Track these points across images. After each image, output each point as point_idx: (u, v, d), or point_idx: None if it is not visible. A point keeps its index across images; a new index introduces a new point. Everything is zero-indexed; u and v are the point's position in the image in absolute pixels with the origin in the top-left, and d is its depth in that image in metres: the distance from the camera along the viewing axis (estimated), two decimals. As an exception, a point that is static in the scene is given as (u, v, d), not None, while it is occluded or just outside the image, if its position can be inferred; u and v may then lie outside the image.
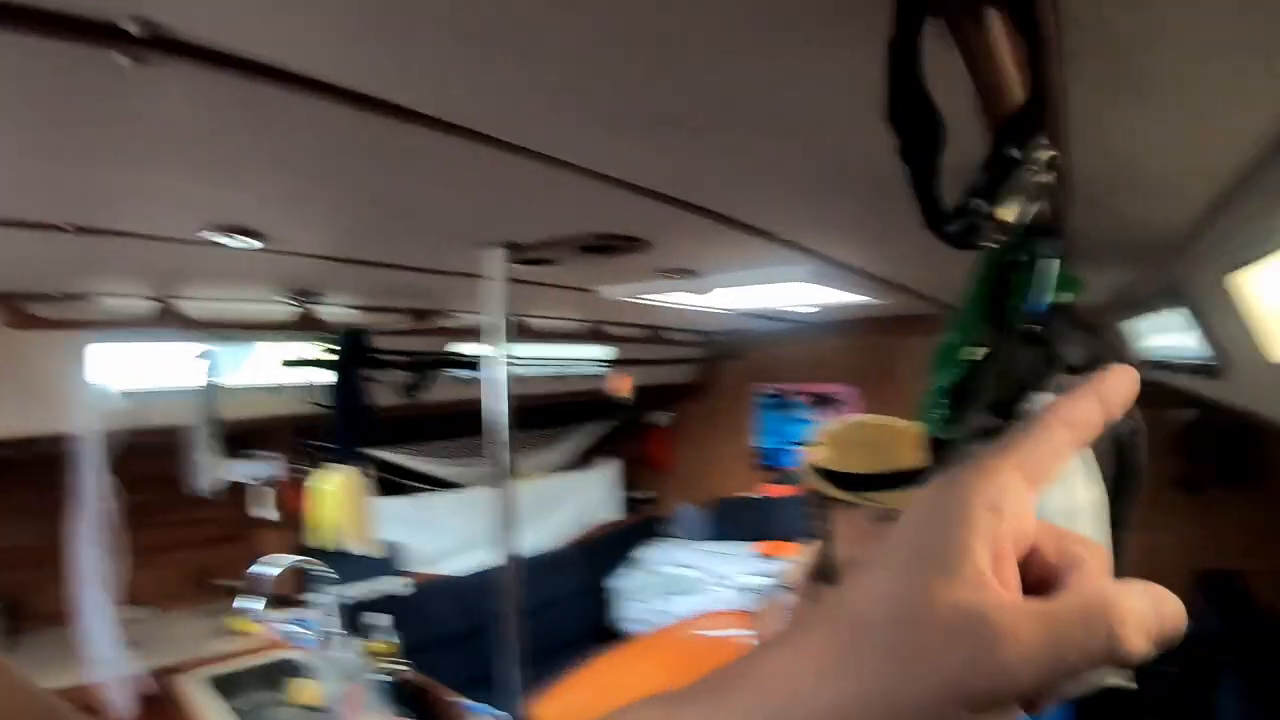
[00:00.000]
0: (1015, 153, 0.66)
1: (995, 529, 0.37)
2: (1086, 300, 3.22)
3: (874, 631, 0.36)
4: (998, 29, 0.64)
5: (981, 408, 1.35)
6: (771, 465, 5.81)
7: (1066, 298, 1.40)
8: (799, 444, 5.30)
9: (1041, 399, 1.27)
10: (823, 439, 2.05)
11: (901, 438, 1.97)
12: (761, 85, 0.94)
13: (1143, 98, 0.97)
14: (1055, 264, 1.33)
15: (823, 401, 5.61)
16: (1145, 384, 0.44)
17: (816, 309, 3.76)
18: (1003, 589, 0.36)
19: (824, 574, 2.03)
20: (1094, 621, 0.35)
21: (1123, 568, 0.45)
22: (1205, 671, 3.01)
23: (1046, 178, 0.69)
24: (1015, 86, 0.67)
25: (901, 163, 0.71)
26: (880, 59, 0.71)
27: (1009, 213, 0.73)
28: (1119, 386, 0.43)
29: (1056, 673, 0.34)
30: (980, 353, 1.37)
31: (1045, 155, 0.68)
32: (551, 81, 0.94)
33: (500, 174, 1.31)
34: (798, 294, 3.02)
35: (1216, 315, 2.00)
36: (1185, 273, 2.05)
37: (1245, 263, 1.55)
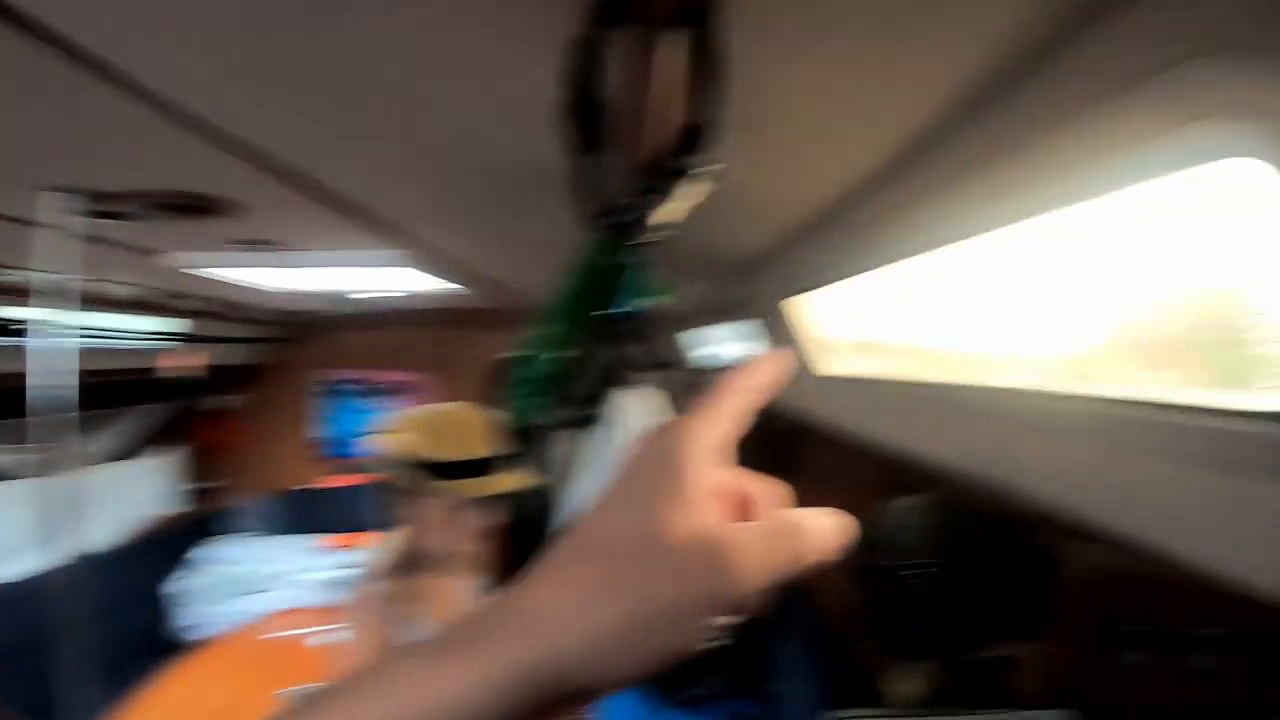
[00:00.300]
0: (682, 164, 0.71)
1: (706, 470, 0.46)
2: (669, 306, 3.45)
3: (627, 559, 0.43)
4: (677, 46, 0.69)
5: (570, 400, 1.43)
6: (342, 454, 5.53)
7: (656, 302, 1.52)
8: (374, 432, 5.14)
9: (629, 395, 1.38)
10: (404, 426, 2.03)
11: (481, 426, 2.01)
12: (400, 58, 0.91)
13: (746, 134, 1.08)
14: (651, 269, 1.44)
15: (398, 389, 5.50)
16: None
17: (400, 294, 3.69)
18: (721, 516, 0.45)
19: (409, 563, 2.02)
20: (789, 535, 0.45)
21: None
22: (760, 632, 3.50)
23: (704, 190, 0.75)
24: (685, 100, 0.72)
25: (569, 157, 0.75)
26: (540, 56, 0.76)
27: (668, 215, 0.77)
28: (773, 368, 0.52)
29: (769, 577, 0.44)
30: (572, 347, 1.45)
31: (709, 170, 0.73)
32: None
33: (80, 101, 1.08)
34: (387, 278, 2.95)
35: (772, 331, 2.28)
36: (756, 292, 2.30)
37: (803, 289, 1.79)
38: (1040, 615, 1.66)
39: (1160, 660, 1.66)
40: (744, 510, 0.49)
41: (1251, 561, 0.83)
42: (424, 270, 2.69)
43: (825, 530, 0.47)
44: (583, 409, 1.44)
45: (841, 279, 1.54)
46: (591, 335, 1.41)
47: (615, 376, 1.41)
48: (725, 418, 0.49)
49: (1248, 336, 0.81)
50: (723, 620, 0.43)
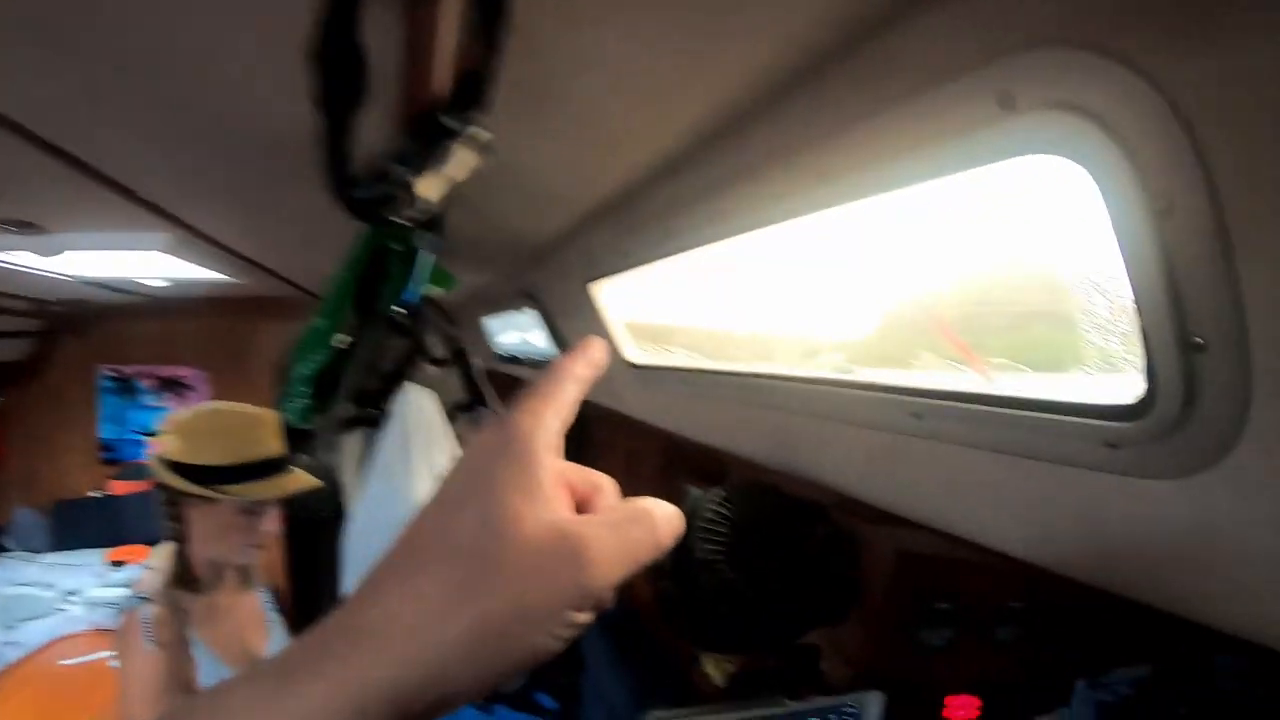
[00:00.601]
0: (453, 124, 0.59)
1: (552, 460, 0.44)
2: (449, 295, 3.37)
3: (481, 558, 0.40)
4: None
5: (347, 396, 1.32)
6: (118, 458, 5.06)
7: (438, 291, 1.43)
8: (149, 434, 4.81)
9: (415, 390, 1.29)
10: (172, 429, 1.87)
11: (259, 426, 1.87)
12: (164, 23, 0.77)
13: (546, 116, 1.01)
14: (432, 257, 1.34)
15: (173, 385, 5.08)
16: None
17: (169, 283, 3.39)
18: (571, 508, 0.44)
19: (182, 578, 1.84)
20: (643, 524, 0.44)
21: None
22: None
23: (477, 159, 0.64)
24: (456, 57, 0.61)
25: (317, 113, 0.63)
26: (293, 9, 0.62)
27: (430, 188, 0.64)
28: (598, 354, 0.50)
29: (630, 568, 0.42)
30: (347, 340, 1.33)
31: (482, 135, 0.62)
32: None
33: None
34: (153, 264, 2.68)
35: (572, 317, 2.21)
36: (545, 279, 2.22)
37: (605, 274, 1.72)
38: (845, 599, 1.67)
39: (965, 635, 1.71)
40: (582, 502, 0.46)
41: (1036, 539, 0.87)
42: (195, 260, 2.47)
43: (672, 518, 0.46)
44: (366, 405, 1.33)
45: (645, 263, 1.49)
46: (372, 327, 1.31)
47: (398, 372, 1.31)
48: (561, 406, 0.47)
49: (1068, 325, 0.78)
50: (584, 618, 0.41)
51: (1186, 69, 0.52)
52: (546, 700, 3.71)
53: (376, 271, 1.36)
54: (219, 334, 4.94)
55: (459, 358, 1.36)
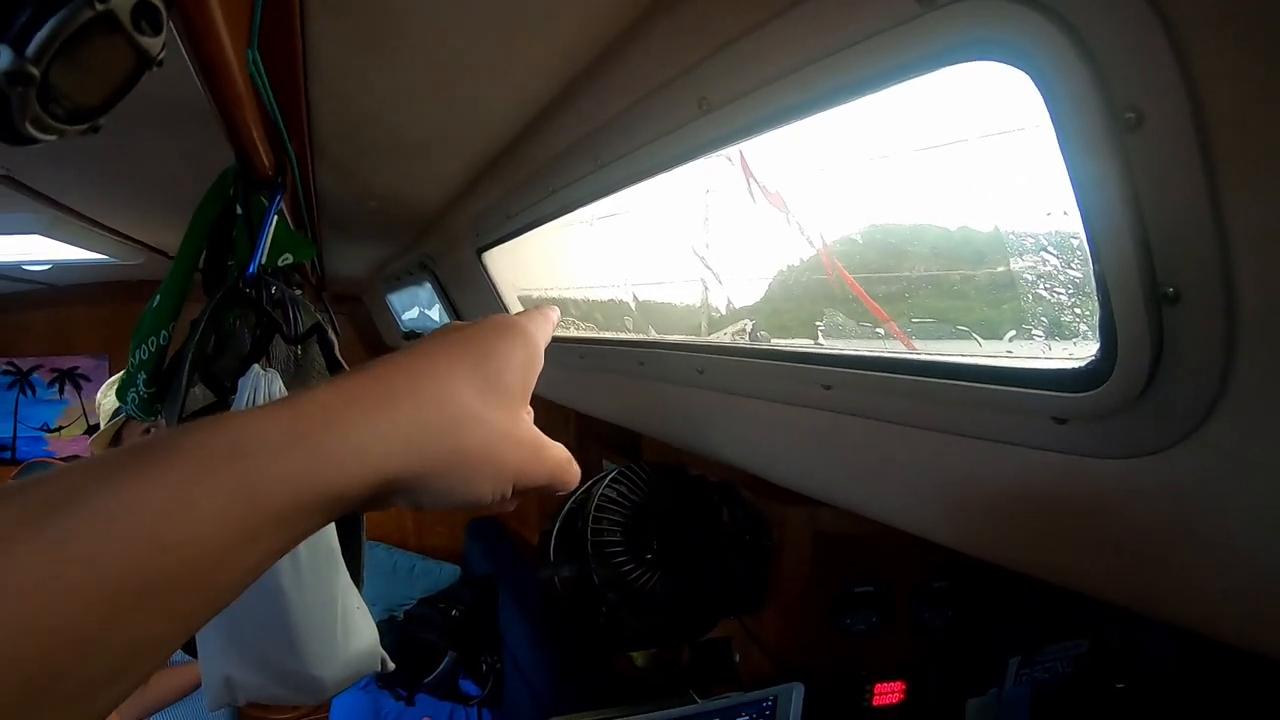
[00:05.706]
0: None
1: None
2: (349, 271, 3.22)
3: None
4: None
5: (192, 382, 1.16)
6: (17, 458, 4.55)
7: (289, 260, 1.27)
8: (50, 430, 4.49)
9: (253, 374, 1.13)
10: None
11: None
12: None
13: (399, 64, 0.91)
14: (275, 221, 1.19)
15: (71, 377, 4.68)
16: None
17: (49, 265, 3.15)
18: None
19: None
20: (559, 451, 0.49)
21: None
22: (488, 596, 3.66)
23: (149, 41, 0.44)
24: None
25: None
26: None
27: (71, 82, 0.42)
28: (557, 315, 0.55)
29: (559, 475, 0.48)
30: (192, 320, 1.18)
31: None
32: None
33: None
34: (31, 247, 2.47)
35: (466, 288, 2.08)
36: (438, 248, 2.09)
37: (490, 242, 1.60)
38: (756, 587, 1.59)
39: (890, 619, 1.63)
40: None
41: (965, 526, 0.80)
42: (73, 239, 2.26)
43: (568, 455, 0.50)
44: (212, 391, 1.18)
45: (531, 225, 1.36)
46: (218, 303, 1.15)
47: (249, 351, 1.16)
48: (549, 335, 0.53)
49: (1003, 276, 0.66)
50: (501, 500, 0.45)
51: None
52: (471, 687, 3.66)
53: (221, 241, 1.20)
54: (118, 318, 4.60)
55: (317, 334, 1.20)
